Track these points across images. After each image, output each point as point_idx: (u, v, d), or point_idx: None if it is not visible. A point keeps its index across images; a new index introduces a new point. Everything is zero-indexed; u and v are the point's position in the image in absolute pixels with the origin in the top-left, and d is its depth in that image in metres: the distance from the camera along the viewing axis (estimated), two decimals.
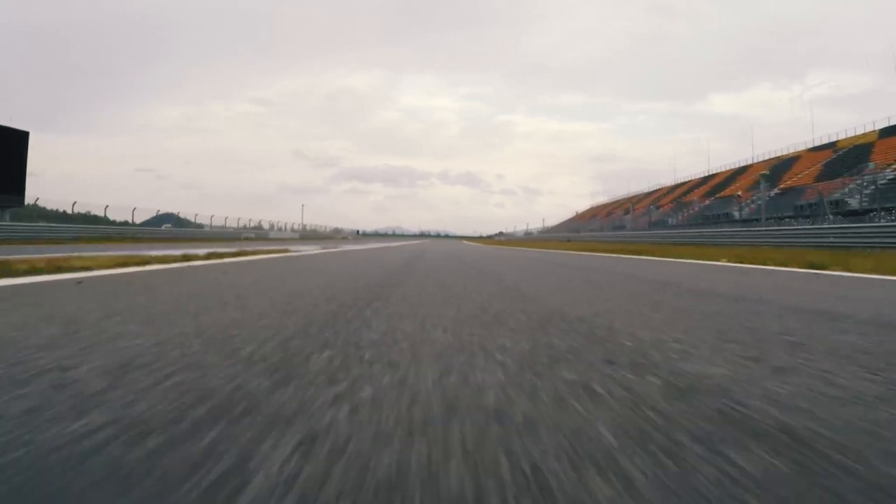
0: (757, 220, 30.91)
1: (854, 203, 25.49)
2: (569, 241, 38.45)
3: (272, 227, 49.24)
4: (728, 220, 34.39)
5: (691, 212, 42.40)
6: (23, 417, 0.93)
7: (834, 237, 16.01)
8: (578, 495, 0.69)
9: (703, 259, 9.21)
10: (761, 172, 35.78)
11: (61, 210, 30.48)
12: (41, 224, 23.77)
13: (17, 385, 1.12)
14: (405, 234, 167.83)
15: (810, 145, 46.04)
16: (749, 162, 53.34)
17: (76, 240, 19.51)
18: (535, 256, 11.69)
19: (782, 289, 3.93)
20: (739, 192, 37.39)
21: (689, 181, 61.67)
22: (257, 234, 38.95)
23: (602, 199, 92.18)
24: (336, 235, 67.35)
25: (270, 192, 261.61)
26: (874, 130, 39.87)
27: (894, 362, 1.48)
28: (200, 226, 38.37)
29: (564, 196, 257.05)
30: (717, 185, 49.43)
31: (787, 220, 29.50)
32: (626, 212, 57.37)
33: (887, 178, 26.73)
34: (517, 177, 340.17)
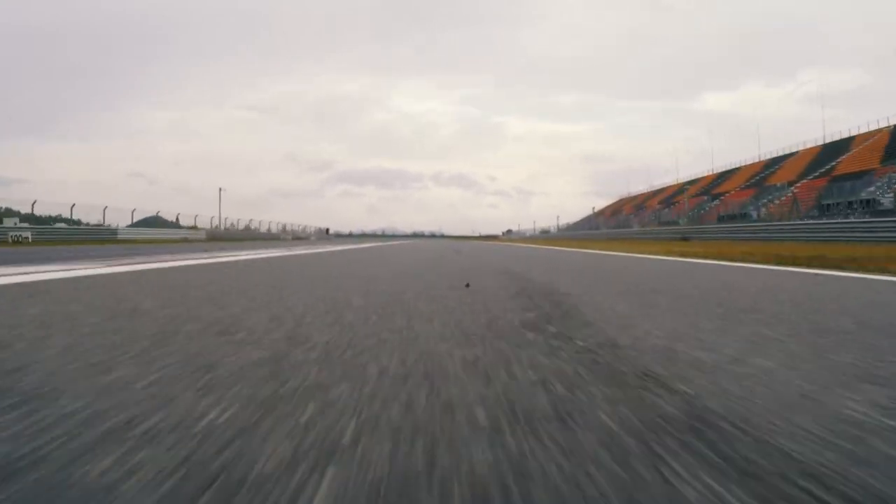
0: None
1: None
2: (686, 239, 18.92)
3: (161, 218, 29.75)
4: None
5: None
6: None
7: None
8: None
9: None
10: None
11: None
12: None
13: None
14: (397, 234, 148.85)
15: None
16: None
17: None
18: None
19: None
20: None
21: (796, 153, 42.18)
22: (67, 233, 19.46)
23: (601, 202, 73.01)
24: (284, 236, 47.53)
25: (263, 195, 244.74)
26: None
27: None
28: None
29: (559, 196, 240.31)
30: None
31: None
32: (713, 196, 38.10)
33: None
34: (510, 178, 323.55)
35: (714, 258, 6.99)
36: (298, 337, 1.48)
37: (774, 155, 46.94)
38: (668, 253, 9.30)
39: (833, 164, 33.46)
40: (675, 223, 38.35)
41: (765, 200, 30.70)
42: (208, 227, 36.82)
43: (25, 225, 21.52)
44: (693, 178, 59.78)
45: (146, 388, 0.97)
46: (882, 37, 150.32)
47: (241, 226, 42.86)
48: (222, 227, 38.57)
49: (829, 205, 25.18)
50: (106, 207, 30.88)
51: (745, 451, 0.71)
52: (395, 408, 0.87)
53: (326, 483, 0.61)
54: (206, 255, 7.86)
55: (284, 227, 51.15)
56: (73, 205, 29.90)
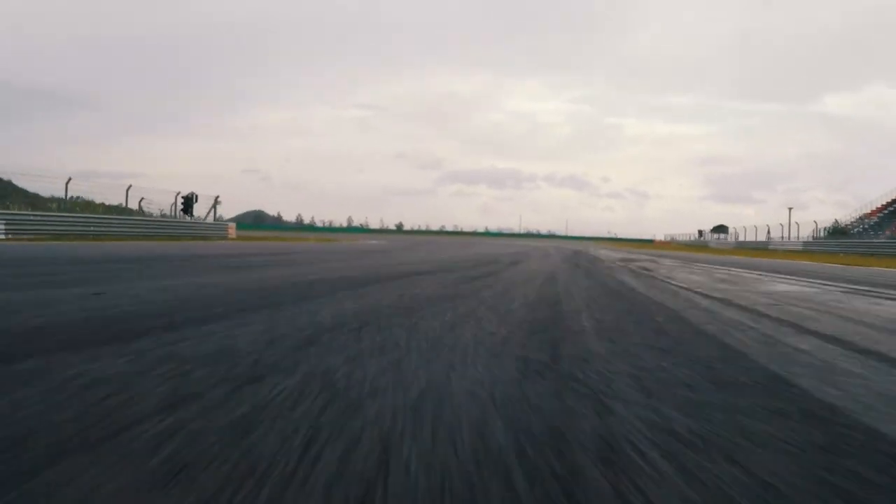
0: None
1: None
2: None
3: None
4: None
5: None
6: None
7: None
8: None
9: None
10: None
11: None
12: None
13: None
14: (504, 233, 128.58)
15: None
16: None
17: None
18: None
19: None
20: None
21: None
22: None
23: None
24: None
25: (375, 193, 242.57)
26: None
27: None
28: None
29: (673, 200, 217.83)
30: None
31: None
32: None
33: None
34: (624, 180, 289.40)
35: None
36: None
37: None
38: None
39: None
40: None
41: None
42: None
43: None
44: None
45: None
46: None
47: None
48: None
49: None
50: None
51: None
52: None
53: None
54: None
55: None
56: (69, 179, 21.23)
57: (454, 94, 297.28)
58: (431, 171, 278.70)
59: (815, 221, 37.07)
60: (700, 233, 57.40)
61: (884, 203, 40.55)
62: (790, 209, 37.86)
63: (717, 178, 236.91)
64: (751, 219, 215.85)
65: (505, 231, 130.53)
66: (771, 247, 35.54)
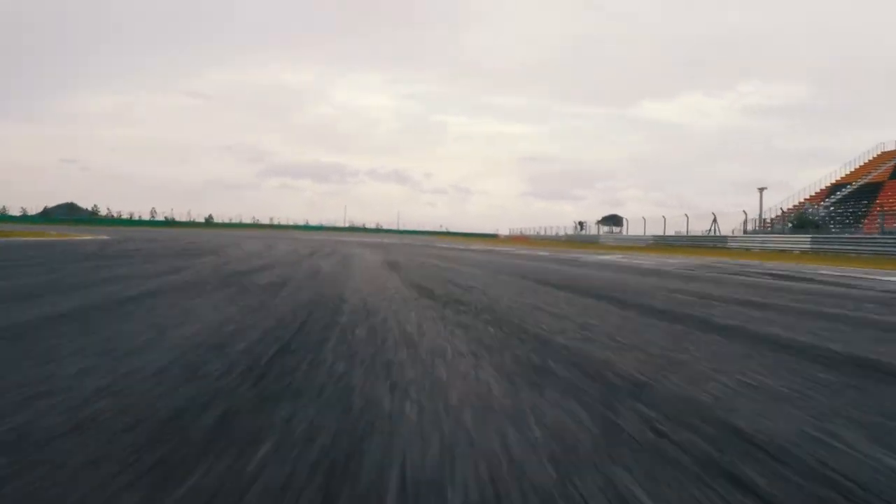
0: None
1: None
2: None
3: None
4: None
5: None
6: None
7: None
8: None
9: None
10: None
11: None
12: None
13: None
14: (326, 227, 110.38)
15: None
16: None
17: None
18: None
19: None
20: None
21: None
22: None
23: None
24: None
25: (199, 186, 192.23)
26: None
27: None
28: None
29: (498, 197, 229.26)
30: None
31: None
32: None
33: None
34: (448, 176, 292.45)
35: None
36: None
37: None
38: None
39: None
40: None
41: None
42: None
43: None
44: None
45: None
46: (826, 51, 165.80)
47: None
48: None
49: None
50: None
51: None
52: None
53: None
54: None
55: None
56: None
57: (283, 86, 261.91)
58: (256, 164, 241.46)
59: (781, 209, 27.02)
60: (581, 224, 46.48)
61: (821, 189, 33.49)
62: (761, 190, 27.35)
63: (539, 175, 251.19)
64: (570, 215, 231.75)
65: (327, 225, 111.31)
66: (733, 244, 23.92)
